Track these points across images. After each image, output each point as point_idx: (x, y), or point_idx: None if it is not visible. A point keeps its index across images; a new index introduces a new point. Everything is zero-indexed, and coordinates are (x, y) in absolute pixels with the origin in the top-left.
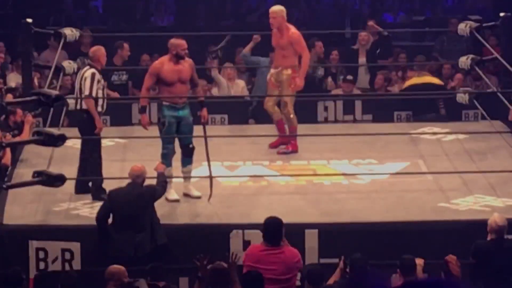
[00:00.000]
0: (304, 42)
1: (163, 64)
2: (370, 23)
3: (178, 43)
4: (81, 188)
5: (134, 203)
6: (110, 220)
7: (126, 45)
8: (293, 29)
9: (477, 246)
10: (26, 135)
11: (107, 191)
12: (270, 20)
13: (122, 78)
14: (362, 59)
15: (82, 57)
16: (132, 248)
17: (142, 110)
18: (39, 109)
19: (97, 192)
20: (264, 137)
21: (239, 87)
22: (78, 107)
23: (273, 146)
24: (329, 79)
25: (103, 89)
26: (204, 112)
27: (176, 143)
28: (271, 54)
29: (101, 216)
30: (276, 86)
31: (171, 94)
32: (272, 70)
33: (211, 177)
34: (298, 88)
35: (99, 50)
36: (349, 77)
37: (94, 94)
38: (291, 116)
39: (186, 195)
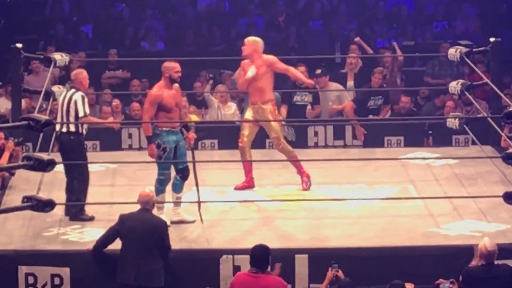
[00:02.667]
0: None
1: (162, 90)
2: (357, 39)
3: (172, 66)
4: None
5: (144, 229)
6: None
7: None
8: (267, 56)
9: (467, 272)
10: (3, 161)
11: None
12: (241, 47)
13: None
14: (350, 83)
15: (70, 82)
16: (134, 277)
17: (150, 140)
18: (21, 138)
19: (77, 213)
20: (254, 162)
21: (231, 109)
22: (65, 129)
23: (238, 188)
24: (308, 106)
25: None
26: (191, 135)
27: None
28: None
29: (105, 238)
30: (256, 125)
31: (170, 119)
32: (249, 108)
33: (199, 202)
34: (312, 84)
35: (81, 73)
36: (318, 71)
37: (88, 114)
38: (288, 148)
39: (180, 222)
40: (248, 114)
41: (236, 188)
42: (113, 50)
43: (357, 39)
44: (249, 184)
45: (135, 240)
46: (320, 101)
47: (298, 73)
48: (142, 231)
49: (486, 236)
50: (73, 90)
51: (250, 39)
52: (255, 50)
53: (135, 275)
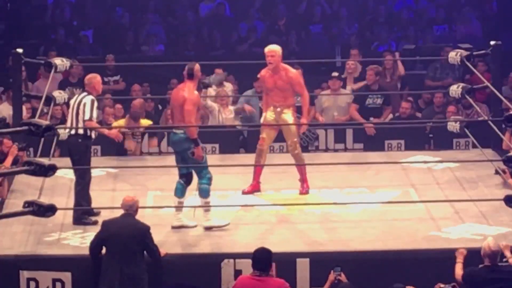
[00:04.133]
0: (302, 81)
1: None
2: (354, 51)
3: (199, 68)
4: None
5: (127, 234)
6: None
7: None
8: (291, 70)
9: (470, 273)
10: (7, 165)
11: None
12: (268, 59)
13: None
14: (349, 87)
15: (71, 88)
16: (118, 282)
17: (197, 142)
18: (25, 143)
19: (80, 216)
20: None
21: (232, 113)
22: (73, 132)
23: (246, 192)
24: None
25: (98, 116)
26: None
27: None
28: (256, 84)
29: (94, 245)
30: (275, 128)
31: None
32: (270, 111)
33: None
34: (304, 129)
35: (94, 78)
36: (335, 73)
37: (95, 119)
38: (302, 155)
39: (180, 227)
40: (270, 116)
41: (244, 192)
42: (110, 56)
43: (355, 51)
44: (255, 188)
45: (119, 245)
46: (329, 106)
47: (306, 103)
48: (125, 236)
49: (490, 236)
50: (84, 94)
51: (277, 48)
52: (281, 59)
53: (119, 281)
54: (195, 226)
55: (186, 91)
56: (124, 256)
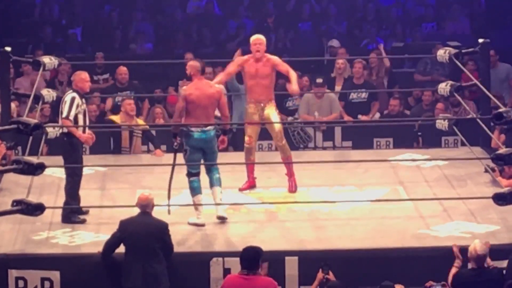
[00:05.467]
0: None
1: None
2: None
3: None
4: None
5: (147, 232)
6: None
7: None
8: (272, 56)
9: (457, 275)
10: None
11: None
12: (256, 47)
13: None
14: (338, 87)
15: (61, 87)
16: (141, 280)
17: (226, 132)
18: (13, 142)
19: (69, 215)
20: (244, 164)
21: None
22: (60, 131)
23: (243, 189)
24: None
25: (84, 114)
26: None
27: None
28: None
29: (109, 245)
30: (258, 124)
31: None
32: (252, 106)
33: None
34: (296, 93)
35: (78, 75)
36: (319, 80)
37: (72, 117)
38: (287, 146)
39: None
40: (252, 113)
41: (241, 189)
42: (100, 54)
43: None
44: (252, 184)
45: (139, 244)
46: (313, 110)
47: (294, 77)
48: (145, 235)
49: (476, 238)
50: (70, 91)
51: (263, 38)
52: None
53: (142, 279)
54: (203, 224)
55: (213, 86)
56: (146, 254)
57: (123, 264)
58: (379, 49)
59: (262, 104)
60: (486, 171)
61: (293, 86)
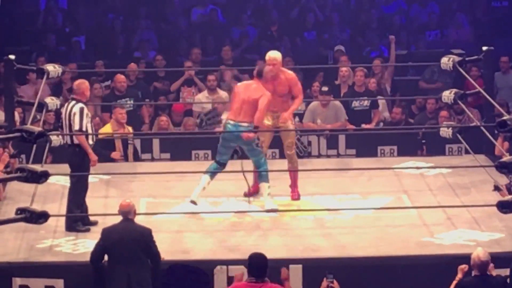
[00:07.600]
0: (300, 84)
1: None
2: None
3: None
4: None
5: (130, 239)
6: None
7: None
8: (288, 71)
9: (461, 283)
10: None
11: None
12: (270, 67)
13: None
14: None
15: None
16: (125, 286)
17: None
18: (17, 150)
19: (73, 224)
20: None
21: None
22: (69, 141)
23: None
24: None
25: (91, 122)
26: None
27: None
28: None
29: (95, 255)
30: (272, 132)
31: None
32: (267, 117)
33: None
34: (285, 122)
35: (83, 84)
36: (324, 88)
37: (84, 129)
38: (296, 157)
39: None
40: (267, 122)
41: (246, 194)
42: (100, 62)
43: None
44: (256, 190)
45: (123, 251)
46: (318, 118)
47: (295, 105)
48: (129, 242)
49: (480, 246)
50: (73, 102)
51: (278, 56)
52: (280, 67)
53: (127, 286)
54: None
55: (262, 89)
56: (130, 261)
57: (107, 272)
58: (390, 42)
59: (278, 113)
60: (496, 189)
61: (286, 114)
